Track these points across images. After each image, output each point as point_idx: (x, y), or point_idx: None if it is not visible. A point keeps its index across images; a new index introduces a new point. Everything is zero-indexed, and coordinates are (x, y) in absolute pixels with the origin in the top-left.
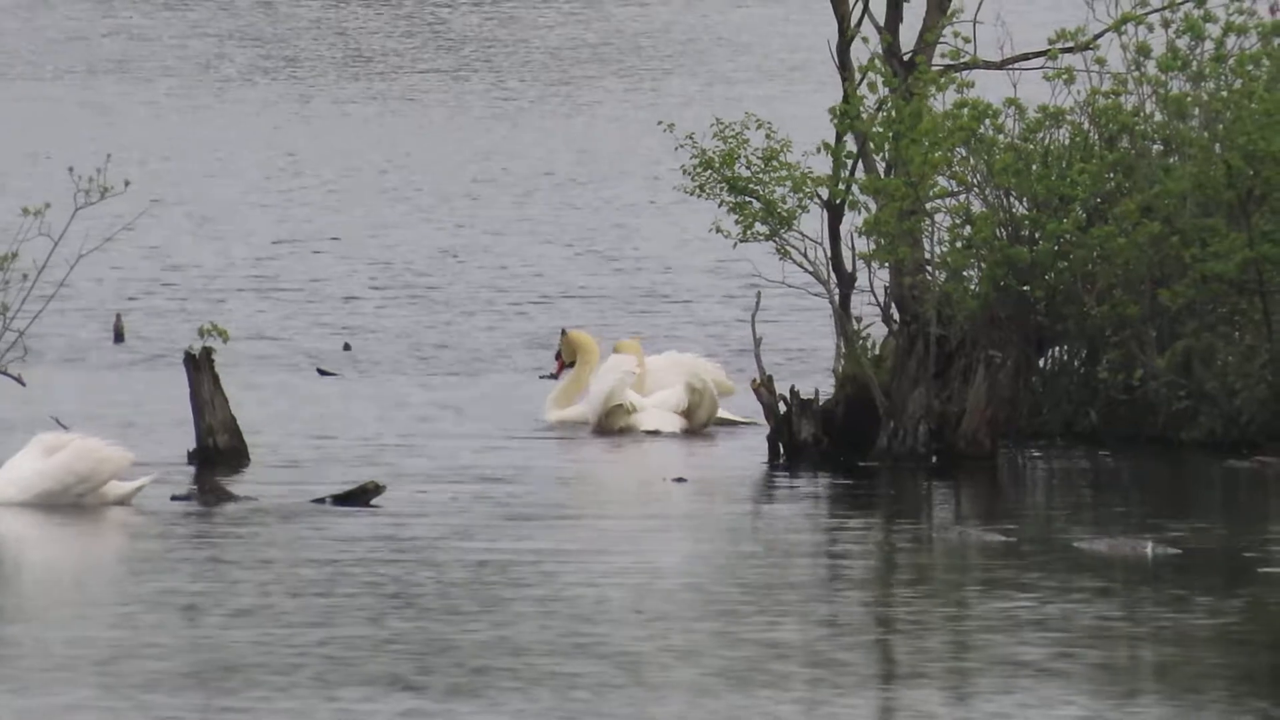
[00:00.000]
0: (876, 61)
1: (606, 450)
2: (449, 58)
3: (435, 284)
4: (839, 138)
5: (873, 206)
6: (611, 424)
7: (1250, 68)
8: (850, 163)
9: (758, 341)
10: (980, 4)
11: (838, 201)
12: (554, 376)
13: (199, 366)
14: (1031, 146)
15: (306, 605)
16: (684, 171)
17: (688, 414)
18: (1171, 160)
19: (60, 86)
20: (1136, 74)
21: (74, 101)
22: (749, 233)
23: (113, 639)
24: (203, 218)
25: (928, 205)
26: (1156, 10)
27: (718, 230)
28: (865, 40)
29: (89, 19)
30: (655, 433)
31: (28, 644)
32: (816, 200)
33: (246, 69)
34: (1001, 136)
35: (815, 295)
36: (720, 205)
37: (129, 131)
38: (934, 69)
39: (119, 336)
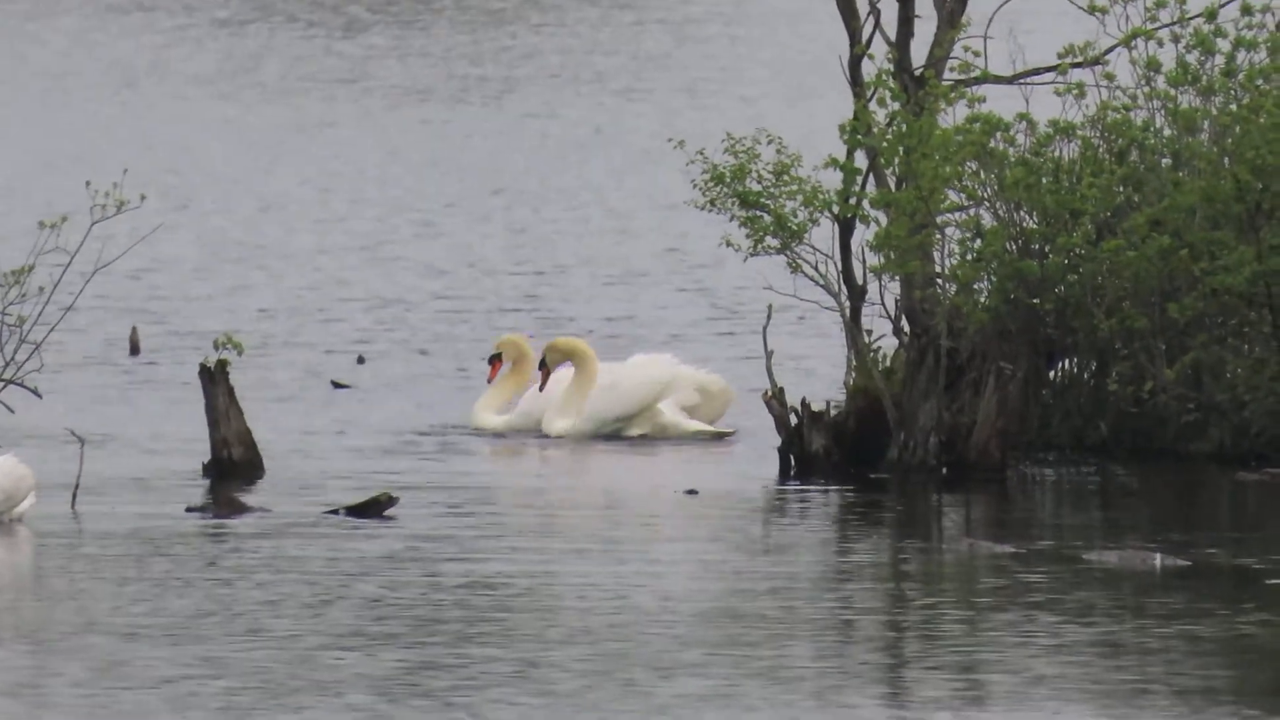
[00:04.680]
0: (886, 76)
1: (616, 461)
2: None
3: (448, 294)
4: (849, 153)
5: (883, 220)
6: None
7: (1260, 82)
8: (860, 177)
9: (769, 354)
10: (991, 19)
11: (848, 215)
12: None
13: (214, 379)
14: (1042, 161)
15: (335, 623)
16: (694, 186)
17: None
18: (1181, 174)
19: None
20: (1146, 89)
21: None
22: (760, 246)
23: (146, 658)
24: (222, 230)
25: (938, 219)
26: (1166, 25)
27: (728, 244)
28: (871, 57)
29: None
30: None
31: (60, 665)
32: (828, 214)
33: (282, 82)
34: (1012, 151)
35: (827, 308)
36: (731, 219)
37: (154, 141)
38: (945, 83)
39: (135, 349)
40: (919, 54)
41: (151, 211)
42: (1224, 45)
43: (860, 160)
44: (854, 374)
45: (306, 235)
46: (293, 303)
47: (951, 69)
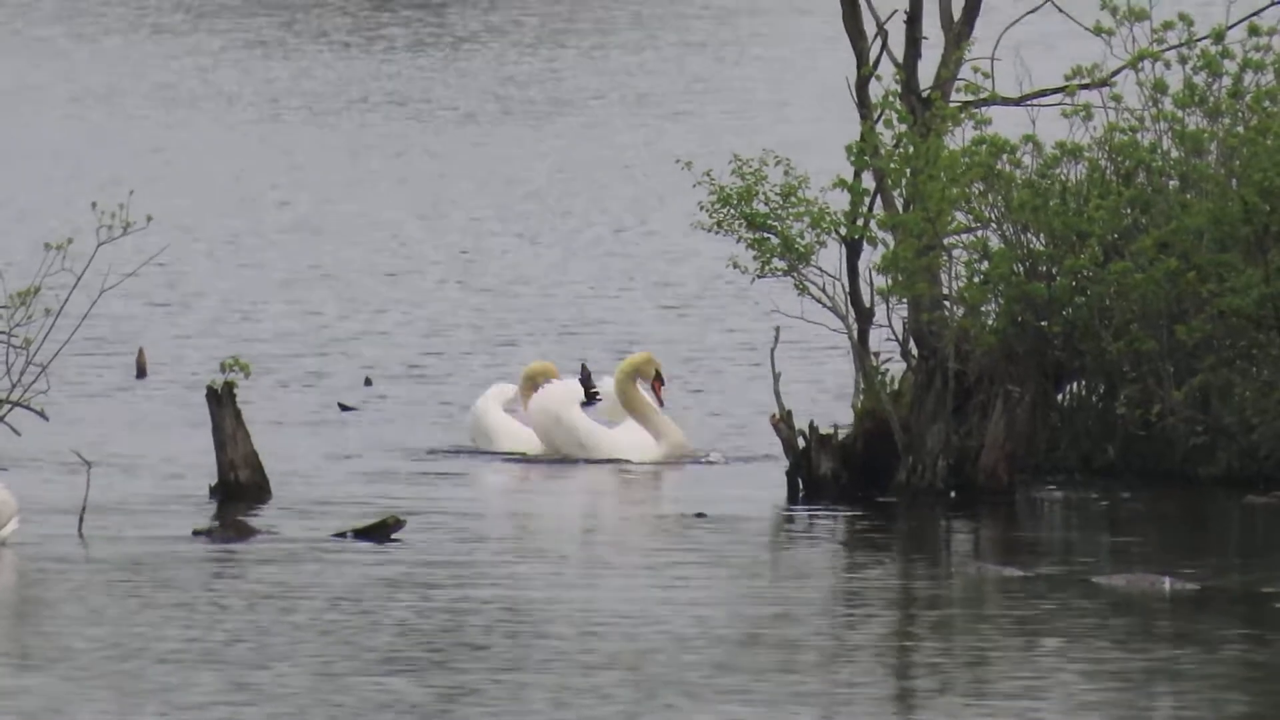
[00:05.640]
0: (893, 98)
1: (622, 484)
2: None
3: (452, 316)
4: (857, 174)
5: (891, 242)
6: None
7: (1267, 104)
8: (868, 198)
9: (776, 377)
10: (998, 40)
11: (856, 237)
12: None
13: (221, 401)
14: (1049, 182)
15: (364, 648)
16: (701, 208)
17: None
18: (1188, 196)
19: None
20: (1153, 110)
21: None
22: (767, 268)
23: (175, 684)
24: (227, 251)
25: (945, 241)
26: (1173, 47)
27: (735, 265)
28: (879, 78)
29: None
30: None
31: (89, 691)
32: (835, 235)
33: (279, 103)
34: (1019, 172)
35: (834, 331)
36: (739, 241)
37: (191, 161)
38: (952, 105)
39: (141, 371)
40: (926, 75)
41: (181, 232)
42: (1231, 67)
43: (868, 181)
44: (862, 396)
45: (340, 256)
46: (300, 325)
47: (958, 90)
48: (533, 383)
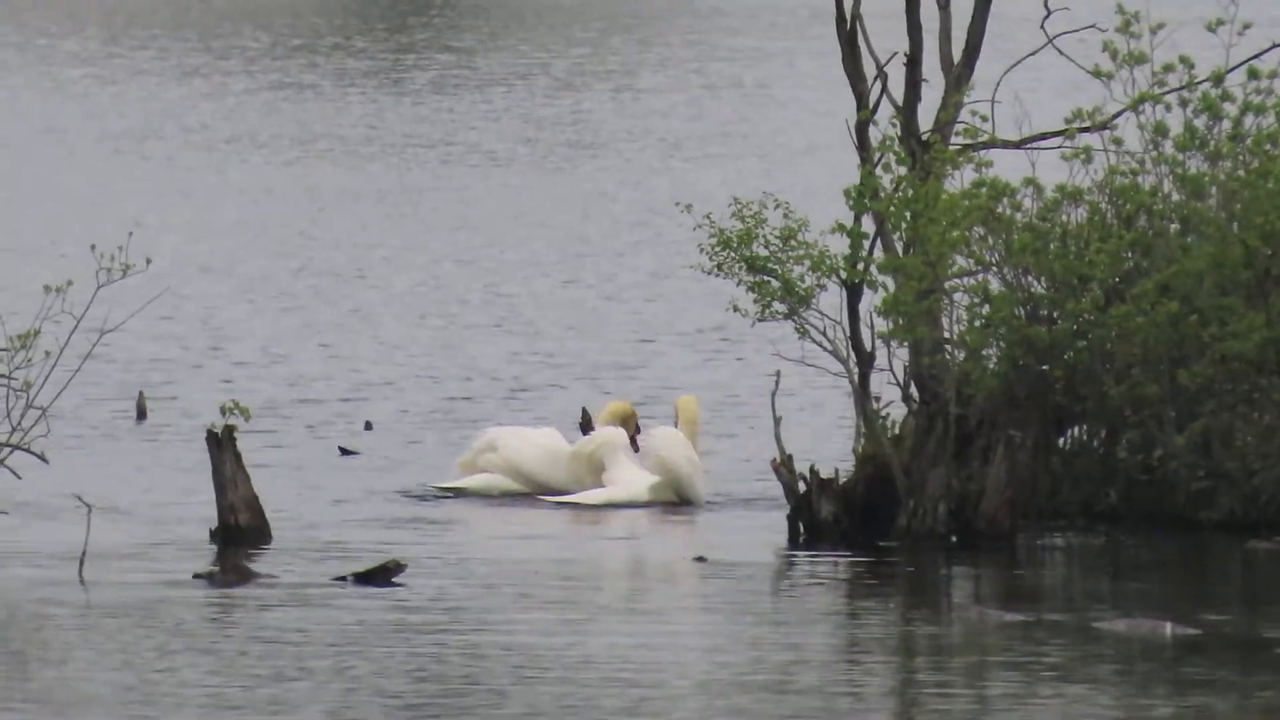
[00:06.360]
0: (892, 141)
1: (621, 527)
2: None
3: (458, 357)
4: (856, 217)
5: (891, 286)
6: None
7: (1267, 147)
8: (868, 242)
9: (777, 420)
10: (998, 83)
11: (856, 281)
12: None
13: (221, 445)
14: (1049, 226)
15: (383, 692)
16: (701, 250)
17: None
18: (1189, 240)
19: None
20: (1154, 153)
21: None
22: (767, 311)
23: None
24: (241, 294)
25: (946, 284)
26: (1174, 90)
27: (735, 309)
28: (876, 123)
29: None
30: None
31: None
32: (835, 279)
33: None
34: (1019, 215)
35: (835, 374)
36: (739, 284)
37: (217, 204)
38: (952, 147)
39: (141, 414)
40: (926, 118)
41: (196, 273)
42: (1231, 110)
43: (868, 225)
44: (863, 441)
45: (361, 299)
46: (300, 367)
47: (958, 133)
48: (619, 423)
